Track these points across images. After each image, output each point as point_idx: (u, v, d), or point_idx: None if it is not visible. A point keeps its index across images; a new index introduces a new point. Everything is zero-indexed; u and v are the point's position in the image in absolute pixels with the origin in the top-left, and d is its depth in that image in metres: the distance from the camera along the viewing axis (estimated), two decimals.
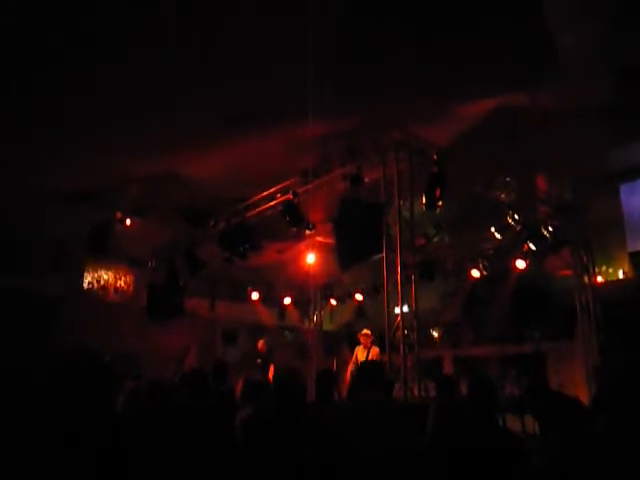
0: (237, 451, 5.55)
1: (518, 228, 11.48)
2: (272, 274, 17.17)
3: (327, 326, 17.63)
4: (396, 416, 5.54)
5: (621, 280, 14.90)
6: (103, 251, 14.56)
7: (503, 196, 10.84)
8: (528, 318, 15.91)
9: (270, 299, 17.33)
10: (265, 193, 11.17)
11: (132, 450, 4.54)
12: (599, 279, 13.84)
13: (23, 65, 7.77)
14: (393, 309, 8.82)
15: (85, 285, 15.16)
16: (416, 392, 8.40)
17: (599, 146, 11.95)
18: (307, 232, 11.68)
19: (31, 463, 4.17)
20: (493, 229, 11.62)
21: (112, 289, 15.71)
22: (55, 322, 13.85)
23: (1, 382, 5.31)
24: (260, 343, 13.54)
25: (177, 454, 5.18)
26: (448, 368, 16.69)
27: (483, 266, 13.86)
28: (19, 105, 8.74)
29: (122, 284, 15.94)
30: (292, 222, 10.68)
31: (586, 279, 12.20)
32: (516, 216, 11.32)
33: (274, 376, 12.29)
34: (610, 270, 15.18)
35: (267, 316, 17.69)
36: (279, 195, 10.95)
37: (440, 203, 9.16)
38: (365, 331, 12.27)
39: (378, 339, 11.48)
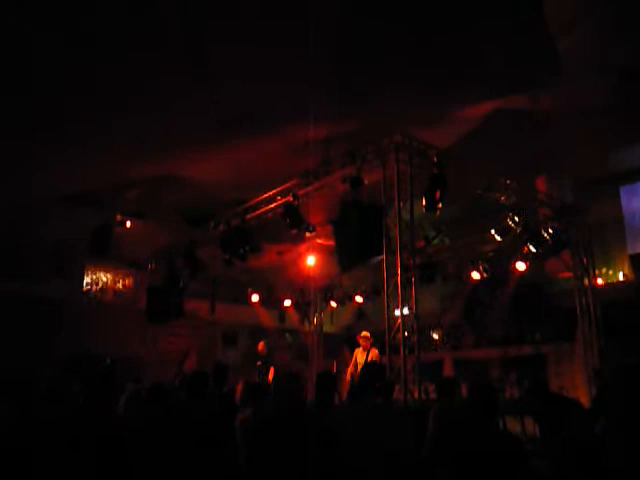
0: (237, 453, 5.55)
1: (518, 230, 11.46)
2: (272, 276, 17.17)
3: (327, 328, 17.60)
4: (396, 419, 5.54)
5: (621, 282, 14.91)
6: (104, 253, 14.58)
7: (503, 198, 10.83)
8: (528, 320, 15.93)
9: (270, 301, 17.33)
10: (265, 195, 11.15)
11: (133, 451, 4.54)
12: (599, 281, 13.83)
13: (23, 67, 7.78)
14: (393, 311, 8.79)
15: (85, 288, 15.17)
16: (416, 395, 8.38)
17: (599, 148, 11.98)
18: (307, 234, 11.63)
19: (33, 464, 4.17)
20: (493, 231, 11.60)
21: (112, 291, 15.71)
22: (56, 325, 13.87)
23: (4, 385, 5.32)
24: (260, 345, 13.53)
25: (177, 456, 5.18)
26: (448, 370, 16.68)
27: (483, 268, 13.83)
28: (19, 108, 8.75)
29: (122, 286, 15.94)
30: (292, 224, 10.66)
31: (586, 281, 12.16)
32: (516, 218, 11.29)
33: (274, 378, 12.28)
34: (610, 272, 15.19)
35: (267, 318, 17.70)
36: (279, 197, 10.94)
37: (440, 205, 9.15)
38: (364, 333, 12.25)
39: (377, 341, 11.46)
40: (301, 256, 15.33)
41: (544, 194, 11.96)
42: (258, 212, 11.43)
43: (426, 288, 13.37)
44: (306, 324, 17.54)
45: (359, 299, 16.40)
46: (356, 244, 9.00)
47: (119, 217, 14.60)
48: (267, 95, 8.79)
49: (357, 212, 9.01)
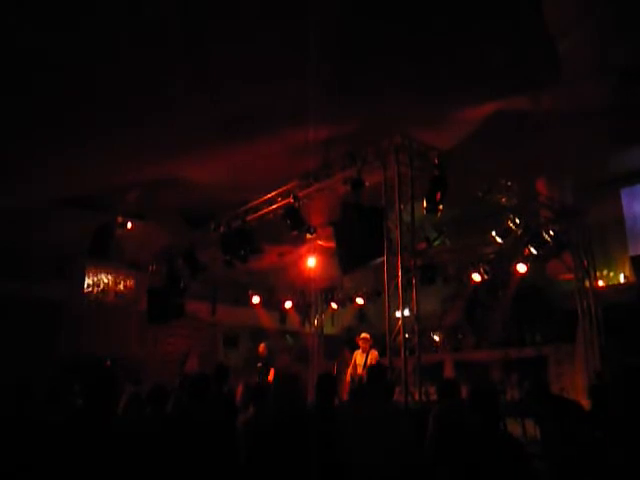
0: (238, 454, 5.55)
1: (519, 232, 11.46)
2: (273, 278, 17.18)
3: (328, 330, 17.58)
4: (397, 420, 5.53)
5: (622, 284, 14.88)
6: (104, 255, 14.59)
7: (504, 200, 10.82)
8: (529, 322, 15.91)
9: (271, 303, 17.32)
10: (266, 197, 11.14)
11: (133, 452, 4.54)
12: (600, 283, 13.82)
13: (23, 67, 7.78)
14: (394, 313, 8.79)
15: (86, 289, 15.17)
16: (417, 396, 8.38)
17: (600, 150, 11.96)
18: (308, 236, 11.65)
19: (33, 465, 4.17)
20: (494, 233, 11.60)
21: (113, 293, 15.71)
22: (56, 326, 13.88)
23: (4, 387, 5.33)
24: (261, 347, 13.53)
25: (178, 457, 5.18)
26: (449, 372, 16.65)
27: (484, 270, 13.81)
28: (19, 109, 8.75)
29: (123, 288, 15.94)
30: (293, 226, 10.66)
31: (587, 283, 12.15)
32: (517, 220, 11.30)
33: (274, 380, 12.28)
34: (611, 274, 15.17)
35: (268, 320, 17.69)
36: (280, 199, 10.94)
37: (441, 207, 9.15)
38: (363, 335, 12.24)
39: (378, 343, 11.45)
40: (302, 258, 15.34)
41: (545, 196, 11.95)
42: (259, 213, 11.43)
43: (427, 290, 13.35)
44: (307, 326, 17.52)
45: (360, 301, 16.39)
46: (357, 246, 9.00)
47: (120, 218, 14.60)
48: (267, 96, 8.79)
49: (358, 214, 9.01)
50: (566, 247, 11.86)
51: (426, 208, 9.21)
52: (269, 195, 11.08)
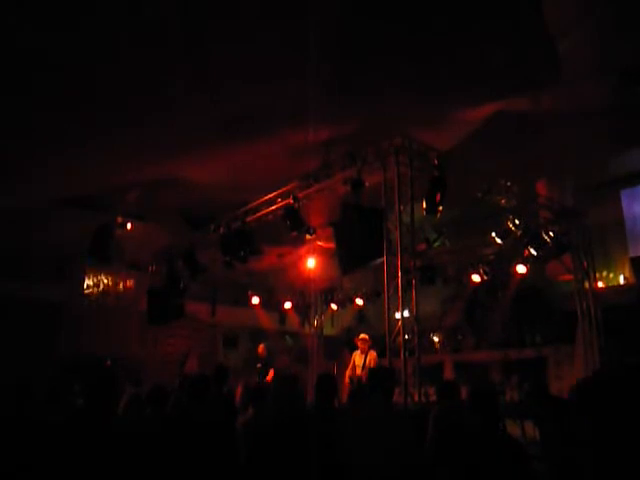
0: (238, 455, 5.55)
1: (519, 233, 11.46)
2: (273, 279, 17.18)
3: (328, 331, 17.58)
4: (397, 421, 5.53)
5: (622, 285, 14.88)
6: (104, 256, 14.58)
7: (504, 201, 10.82)
8: (529, 323, 15.92)
9: (271, 304, 17.32)
10: (266, 197, 11.14)
11: (133, 453, 4.53)
12: (600, 284, 13.82)
13: (23, 67, 7.78)
14: (394, 314, 8.78)
15: (86, 290, 15.16)
16: (416, 397, 8.37)
17: (600, 151, 11.95)
18: (308, 237, 11.65)
19: (33, 466, 4.17)
20: (494, 234, 11.59)
21: (113, 293, 15.71)
22: (56, 327, 13.88)
23: (4, 387, 5.33)
24: (261, 347, 13.54)
25: (178, 458, 5.18)
26: (449, 373, 16.65)
27: (484, 271, 13.82)
28: (19, 109, 8.75)
29: (123, 288, 15.94)
30: (293, 227, 10.65)
31: (587, 284, 12.15)
32: (517, 221, 11.30)
33: (273, 381, 12.28)
34: (611, 275, 15.16)
35: (267, 321, 17.68)
36: (280, 199, 10.94)
37: (441, 208, 9.15)
38: (362, 336, 12.24)
39: (378, 344, 11.45)
40: (301, 258, 15.35)
41: (545, 197, 11.95)
42: (258, 214, 11.43)
43: (426, 291, 13.35)
44: (306, 326, 17.52)
45: (359, 302, 16.39)
46: (357, 246, 9.00)
47: (120, 219, 14.59)
48: (267, 96, 8.78)
49: (358, 214, 9.01)
50: (567, 249, 11.85)
51: (426, 209, 9.20)
52: (269, 196, 11.08)
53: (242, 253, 11.62)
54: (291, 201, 10.54)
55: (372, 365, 11.70)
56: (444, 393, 6.66)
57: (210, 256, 12.83)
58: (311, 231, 11.37)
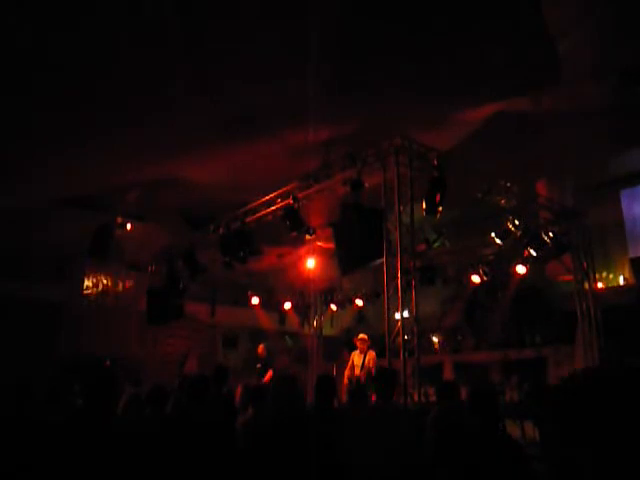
0: (238, 455, 5.54)
1: (519, 234, 11.46)
2: (272, 279, 17.18)
3: (327, 331, 17.57)
4: (397, 421, 5.52)
5: (622, 286, 14.89)
6: (104, 256, 14.59)
7: (504, 201, 10.82)
8: (529, 323, 15.91)
9: (270, 304, 17.32)
10: (266, 198, 11.14)
11: (132, 453, 4.52)
12: (600, 285, 13.82)
13: (23, 67, 7.77)
14: (393, 314, 8.78)
15: (86, 290, 15.16)
16: (416, 398, 8.37)
17: (600, 151, 11.95)
18: (307, 237, 11.64)
19: (33, 466, 4.16)
20: (494, 234, 11.59)
21: (112, 294, 15.71)
22: (56, 327, 13.88)
23: (4, 387, 5.32)
24: (260, 348, 13.53)
25: (177, 458, 5.17)
26: (448, 374, 16.65)
27: (484, 271, 13.82)
28: (19, 109, 8.75)
29: (122, 288, 15.94)
30: (292, 227, 10.64)
31: (587, 285, 12.14)
32: (517, 221, 11.30)
33: (272, 381, 12.26)
34: (611, 276, 15.17)
35: (267, 321, 17.68)
36: (279, 200, 10.93)
37: (440, 208, 9.14)
38: (361, 335, 12.24)
39: (377, 344, 11.45)
40: (301, 259, 15.34)
41: (544, 197, 11.95)
42: (258, 215, 11.43)
43: (426, 291, 13.35)
44: (306, 327, 17.52)
45: (359, 302, 16.39)
46: (356, 247, 8.99)
47: (119, 219, 14.59)
48: (267, 96, 8.77)
49: (357, 215, 9.01)
50: (567, 249, 11.85)
51: (426, 209, 9.20)
52: (268, 196, 11.08)
53: (242, 253, 11.62)
54: (291, 201, 10.54)
55: (371, 365, 11.69)
56: (444, 393, 6.65)
57: (210, 256, 12.82)
58: (311, 231, 11.36)
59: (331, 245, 11.06)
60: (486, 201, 10.69)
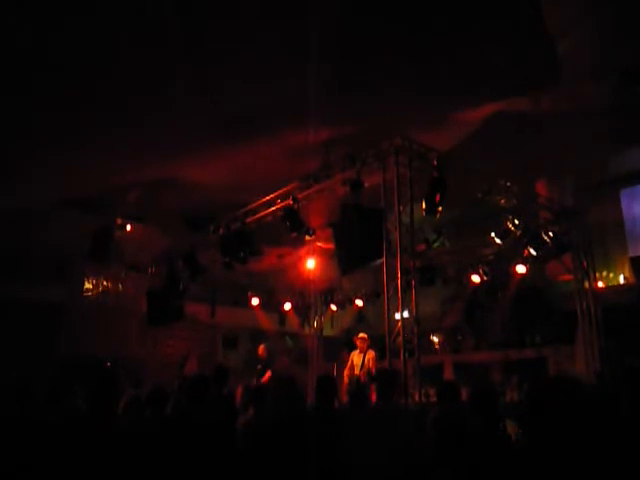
0: (238, 456, 5.54)
1: (518, 233, 11.46)
2: (272, 279, 17.17)
3: (327, 332, 17.55)
4: (399, 422, 5.52)
5: (622, 285, 14.88)
6: (104, 257, 14.58)
7: (503, 201, 10.83)
8: (529, 323, 15.90)
9: (270, 304, 17.30)
10: (265, 198, 11.14)
11: (133, 454, 4.52)
12: (600, 284, 13.81)
13: (23, 67, 7.77)
14: (393, 314, 8.77)
15: (86, 291, 15.15)
16: (417, 398, 8.37)
17: (600, 150, 11.95)
18: (307, 237, 11.65)
19: (34, 467, 4.16)
20: (493, 234, 11.59)
21: (112, 295, 15.69)
22: (56, 329, 13.87)
23: (5, 389, 5.32)
24: (260, 348, 13.53)
25: (178, 459, 5.17)
26: (449, 374, 16.63)
27: (484, 271, 13.82)
28: (19, 111, 8.74)
29: (122, 290, 15.92)
30: (292, 227, 10.65)
31: (587, 284, 12.15)
32: (516, 221, 11.30)
33: (271, 382, 12.25)
34: (611, 275, 15.16)
35: (267, 321, 17.66)
36: (279, 200, 10.93)
37: (440, 208, 9.14)
38: (361, 335, 12.25)
39: (378, 345, 11.44)
40: (301, 259, 15.34)
41: (544, 197, 11.95)
42: (258, 215, 11.43)
43: (426, 291, 13.34)
44: (306, 327, 17.51)
45: (359, 302, 16.38)
46: (356, 247, 8.99)
47: (119, 220, 14.58)
48: (267, 96, 8.77)
49: (357, 215, 9.01)
50: (567, 249, 11.84)
51: (425, 209, 9.20)
52: (268, 197, 11.08)
53: (242, 254, 11.62)
54: (291, 202, 10.54)
55: (371, 365, 11.71)
56: (444, 394, 6.64)
57: (210, 257, 12.83)
58: (311, 232, 11.37)
59: (331, 245, 11.06)
60: (486, 201, 10.70)
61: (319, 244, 13.81)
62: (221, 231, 12.05)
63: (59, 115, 8.91)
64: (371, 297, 15.88)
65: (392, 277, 8.64)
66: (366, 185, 9.28)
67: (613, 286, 14.89)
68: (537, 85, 9.23)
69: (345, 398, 11.38)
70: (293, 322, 18.00)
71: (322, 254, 14.45)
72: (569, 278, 12.80)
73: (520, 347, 15.75)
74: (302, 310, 17.48)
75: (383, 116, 9.51)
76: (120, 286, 15.85)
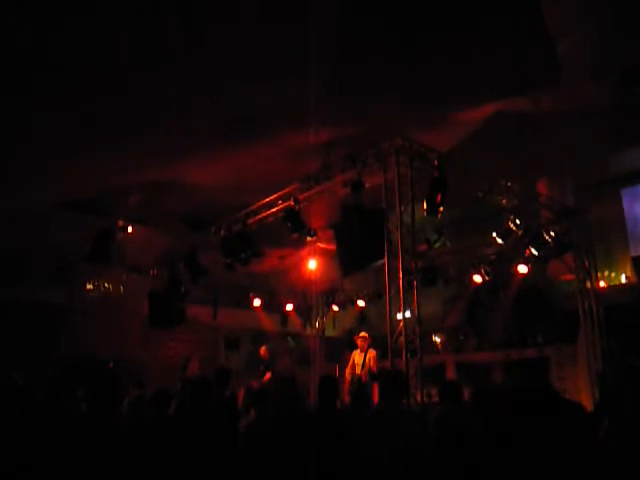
0: (240, 458, 5.55)
1: (520, 233, 11.46)
2: (274, 281, 17.18)
3: (329, 332, 17.58)
4: (401, 422, 5.52)
5: (624, 284, 14.87)
6: (105, 259, 14.58)
7: (504, 201, 10.83)
8: (531, 323, 15.88)
9: (272, 306, 17.33)
10: (266, 200, 11.16)
11: (135, 455, 4.53)
12: (602, 284, 13.80)
13: (23, 68, 7.77)
14: (395, 315, 8.78)
15: (87, 293, 15.15)
16: (419, 398, 8.37)
17: (600, 150, 11.95)
18: (308, 238, 11.67)
19: (35, 468, 4.17)
20: (495, 234, 11.60)
21: (114, 297, 15.69)
22: (57, 331, 13.88)
23: (7, 390, 5.34)
24: (262, 350, 13.53)
25: (180, 460, 5.18)
26: (451, 374, 16.62)
27: (485, 271, 13.84)
28: (19, 111, 8.74)
29: (124, 292, 15.92)
30: (293, 228, 10.66)
31: (589, 284, 12.14)
32: (518, 221, 11.30)
33: (272, 382, 12.26)
34: (613, 275, 15.15)
35: (269, 323, 17.68)
36: (280, 202, 10.95)
37: (441, 208, 9.15)
38: (362, 334, 12.26)
39: (380, 345, 11.44)
40: (302, 260, 15.34)
41: (545, 197, 11.95)
42: (259, 216, 11.45)
43: (428, 291, 13.35)
44: (308, 328, 17.54)
45: (361, 303, 16.40)
46: (357, 248, 9.00)
47: (121, 223, 14.59)
48: (267, 96, 8.76)
49: (358, 216, 9.02)
50: (568, 248, 11.84)
51: (426, 210, 9.21)
52: (269, 198, 11.09)
53: (243, 255, 11.63)
54: (292, 203, 10.56)
55: (372, 364, 11.72)
56: (446, 394, 6.65)
57: (211, 259, 12.84)
58: (312, 233, 11.39)
59: (332, 246, 11.07)
60: (487, 201, 10.70)
61: (320, 245, 13.82)
62: (222, 232, 12.07)
63: (59, 115, 8.91)
64: (373, 297, 15.91)
65: (394, 277, 8.64)
66: (367, 186, 9.29)
67: (615, 286, 14.88)
68: (537, 85, 9.22)
69: (347, 398, 11.39)
70: (295, 323, 18.02)
71: (323, 255, 14.45)
72: (571, 278, 12.79)
73: (522, 347, 15.73)
74: (304, 311, 17.52)
75: (383, 116, 9.50)
76: (121, 288, 15.84)
